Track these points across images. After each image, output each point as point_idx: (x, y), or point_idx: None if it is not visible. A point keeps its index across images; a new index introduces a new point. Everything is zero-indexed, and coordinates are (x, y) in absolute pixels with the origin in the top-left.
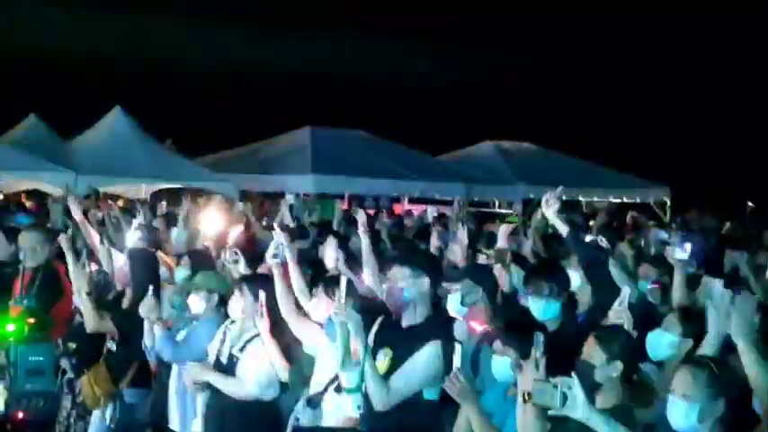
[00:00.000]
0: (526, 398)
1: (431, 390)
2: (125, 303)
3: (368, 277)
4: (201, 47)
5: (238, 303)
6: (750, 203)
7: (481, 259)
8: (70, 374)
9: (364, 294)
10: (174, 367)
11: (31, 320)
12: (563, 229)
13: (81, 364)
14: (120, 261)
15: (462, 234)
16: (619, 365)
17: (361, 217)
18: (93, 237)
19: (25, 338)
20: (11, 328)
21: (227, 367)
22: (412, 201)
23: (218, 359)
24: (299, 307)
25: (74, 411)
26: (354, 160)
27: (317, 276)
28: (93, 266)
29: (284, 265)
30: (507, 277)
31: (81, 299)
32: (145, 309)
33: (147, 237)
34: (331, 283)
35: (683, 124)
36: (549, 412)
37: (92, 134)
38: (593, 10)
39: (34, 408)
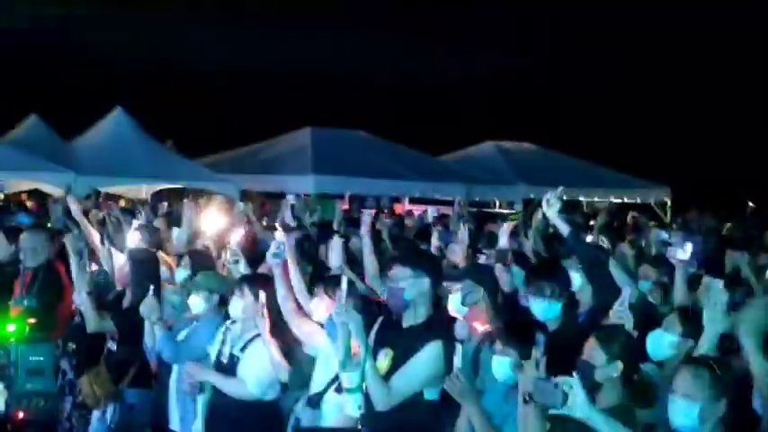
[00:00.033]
0: (527, 398)
1: (431, 390)
2: (125, 303)
3: (369, 277)
4: (202, 47)
5: (239, 303)
6: (750, 204)
7: (481, 259)
8: (70, 375)
9: (365, 294)
10: (175, 367)
11: (32, 320)
12: (564, 230)
13: (81, 364)
14: (121, 261)
15: (463, 233)
16: (619, 365)
17: (366, 218)
18: (94, 236)
19: (26, 338)
20: (11, 328)
21: (228, 367)
22: (412, 201)
23: (218, 359)
24: (299, 307)
25: (75, 413)
26: (355, 160)
27: (318, 275)
28: (94, 266)
29: (285, 264)
30: (508, 277)
31: (82, 299)
32: (145, 309)
33: (148, 237)
34: (332, 283)
35: (683, 125)
36: (550, 411)
37: (92, 134)
38: (594, 10)
39: (35, 408)
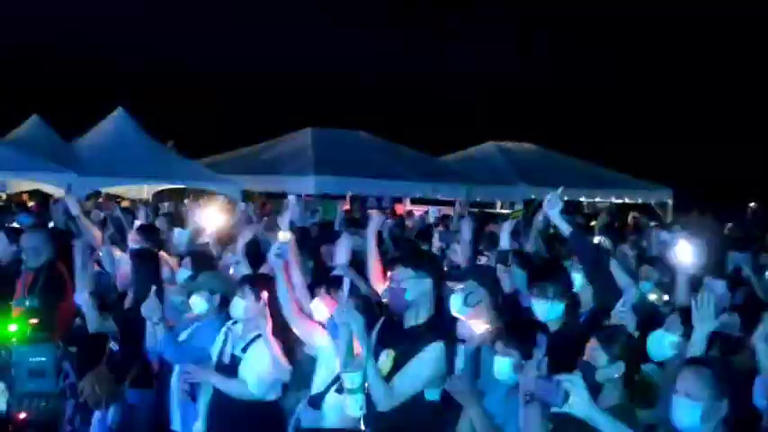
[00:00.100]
0: (528, 399)
1: (433, 390)
2: (127, 304)
3: (371, 278)
4: (203, 47)
5: (240, 304)
6: (751, 204)
7: (482, 261)
8: (72, 378)
9: (366, 295)
10: (176, 368)
11: (34, 321)
12: (565, 230)
13: (82, 367)
14: (123, 262)
15: (467, 230)
16: (620, 366)
17: (376, 219)
18: (96, 236)
19: (27, 339)
20: (13, 328)
21: (230, 368)
22: (413, 201)
23: (220, 360)
24: (300, 307)
25: (77, 415)
26: (356, 161)
27: (319, 275)
28: (95, 267)
29: (286, 265)
30: (509, 278)
31: (83, 299)
32: (147, 309)
33: (149, 237)
34: (333, 283)
35: (684, 125)
36: (552, 409)
37: (94, 135)
38: (595, 10)
39: (36, 408)
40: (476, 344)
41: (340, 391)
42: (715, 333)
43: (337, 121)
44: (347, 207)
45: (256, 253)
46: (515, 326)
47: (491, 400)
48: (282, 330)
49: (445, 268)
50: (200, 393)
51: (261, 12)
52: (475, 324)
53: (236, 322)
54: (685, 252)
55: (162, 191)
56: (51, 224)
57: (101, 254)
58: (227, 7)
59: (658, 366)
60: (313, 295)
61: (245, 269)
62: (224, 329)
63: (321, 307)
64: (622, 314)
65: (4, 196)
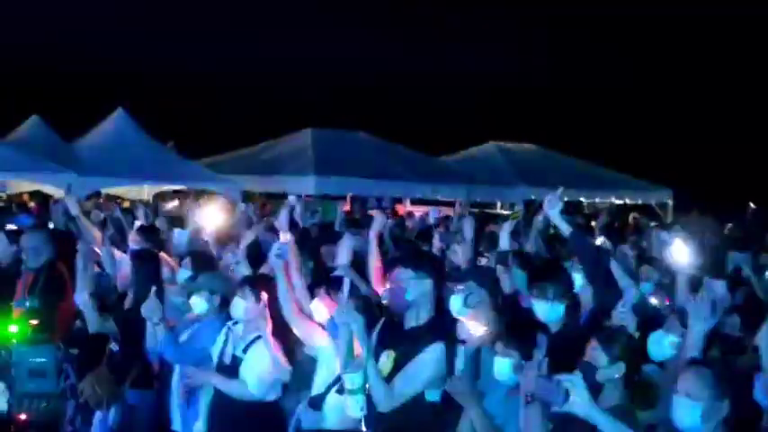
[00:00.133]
0: (529, 399)
1: (433, 391)
2: (127, 304)
3: (372, 279)
4: (203, 48)
5: (241, 304)
6: (751, 205)
7: (482, 262)
8: (73, 380)
9: (367, 295)
10: (177, 368)
11: (34, 322)
12: (565, 230)
13: (83, 367)
14: (123, 262)
15: (468, 229)
16: (621, 367)
17: (380, 220)
18: (96, 237)
19: (28, 339)
20: (13, 329)
21: (230, 368)
22: (414, 202)
23: (220, 360)
24: (300, 308)
25: (78, 417)
26: (356, 161)
27: (319, 276)
28: (95, 268)
29: (286, 266)
30: (509, 279)
31: (84, 300)
32: (147, 310)
33: (150, 238)
34: (333, 284)
35: (685, 126)
36: (552, 409)
37: (94, 135)
38: (596, 10)
39: (36, 409)
40: (476, 345)
41: (340, 392)
42: (715, 333)
43: (337, 121)
44: (347, 208)
45: (257, 253)
46: (516, 326)
47: (491, 400)
48: (283, 331)
49: (445, 269)
50: (200, 394)
51: (261, 12)
52: (474, 325)
53: (236, 323)
54: (681, 252)
55: (162, 191)
56: (51, 225)
57: (101, 254)
58: (227, 7)
59: (659, 367)
60: (313, 296)
61: (245, 270)
62: (224, 330)
63: (321, 308)
64: (623, 315)
65: (4, 196)
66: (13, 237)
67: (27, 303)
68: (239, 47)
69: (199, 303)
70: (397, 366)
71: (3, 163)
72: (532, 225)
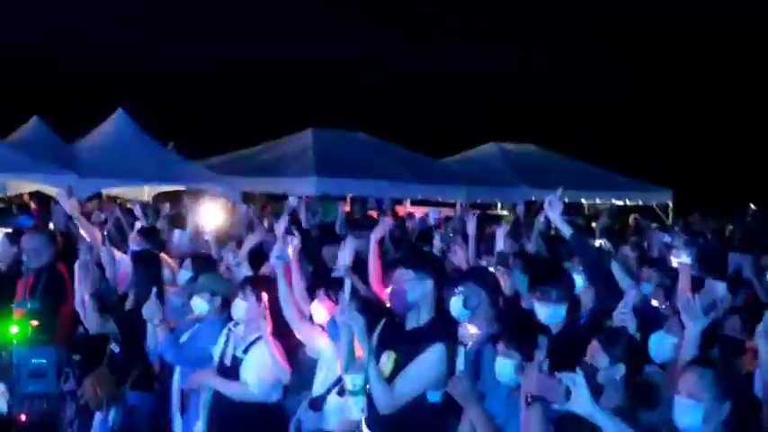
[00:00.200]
0: (530, 400)
1: (434, 392)
2: (128, 305)
3: (371, 280)
4: (204, 48)
5: (242, 305)
6: (752, 206)
7: (482, 263)
8: (73, 384)
9: (367, 296)
10: (177, 370)
11: (35, 323)
12: (566, 232)
13: (84, 369)
14: (123, 263)
15: (471, 227)
16: (622, 368)
17: (386, 223)
18: (96, 237)
19: (28, 341)
20: (14, 330)
21: (231, 369)
22: (414, 203)
23: (221, 361)
24: (300, 309)
25: (76, 420)
26: (357, 162)
27: (319, 277)
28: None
29: (287, 267)
30: (509, 280)
31: (84, 300)
32: (148, 311)
33: (150, 239)
34: (333, 285)
35: (685, 127)
36: (553, 407)
37: (94, 136)
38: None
39: (37, 410)
40: (476, 346)
41: (341, 393)
42: (716, 335)
43: (337, 121)
44: (347, 209)
45: (257, 254)
46: (516, 328)
47: (492, 401)
48: (283, 332)
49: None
50: (200, 395)
51: (261, 12)
52: (474, 327)
53: (237, 324)
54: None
55: (162, 192)
56: (52, 226)
57: (101, 255)
58: (227, 7)
59: (660, 368)
60: (312, 298)
61: (245, 270)
62: (225, 331)
63: (320, 309)
64: (623, 316)
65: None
66: (14, 238)
67: (28, 304)
68: (239, 47)
69: (200, 304)
70: (398, 367)
71: (3, 164)
72: (533, 226)
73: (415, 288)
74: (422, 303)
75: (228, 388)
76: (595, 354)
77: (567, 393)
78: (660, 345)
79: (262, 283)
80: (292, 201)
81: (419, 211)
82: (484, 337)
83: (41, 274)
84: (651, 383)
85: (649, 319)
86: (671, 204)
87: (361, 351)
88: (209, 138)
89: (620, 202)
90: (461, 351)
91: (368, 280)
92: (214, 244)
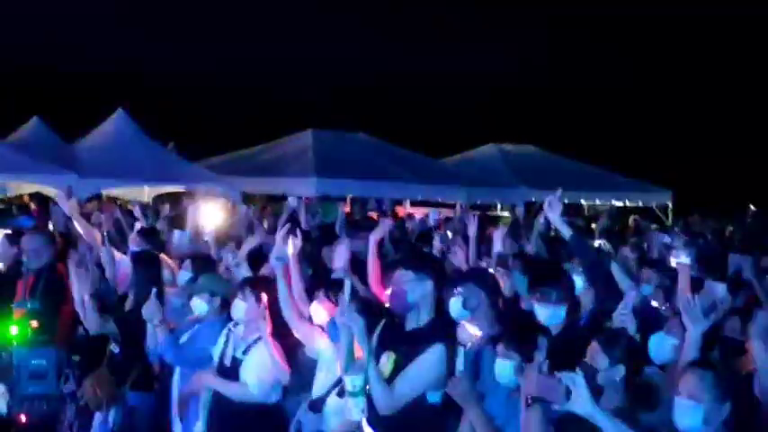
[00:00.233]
0: (529, 401)
1: (434, 393)
2: (128, 306)
3: (371, 281)
4: (204, 48)
5: (241, 306)
6: (752, 207)
7: (482, 264)
8: (73, 385)
9: (366, 297)
10: (177, 370)
11: (35, 323)
12: (566, 233)
13: (84, 370)
14: (122, 263)
15: (473, 228)
16: (622, 369)
17: (386, 225)
18: (95, 237)
19: (28, 341)
20: (14, 330)
21: (231, 370)
22: (414, 204)
23: (221, 362)
24: (300, 310)
25: (76, 422)
26: (356, 163)
27: (318, 278)
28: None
29: (287, 267)
30: (509, 282)
31: (84, 301)
32: (147, 311)
33: (150, 240)
34: (332, 286)
35: (685, 127)
36: (553, 407)
37: (94, 136)
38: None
39: (36, 410)
40: (475, 347)
41: (341, 394)
42: (716, 336)
43: (337, 121)
44: (347, 209)
45: (257, 255)
46: (516, 329)
47: (491, 402)
48: (283, 333)
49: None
50: (200, 396)
51: (261, 12)
52: (474, 327)
53: (236, 324)
54: (686, 255)
55: (162, 193)
56: (51, 226)
57: (101, 255)
58: (227, 7)
59: (660, 369)
60: (312, 299)
61: (245, 271)
62: (225, 331)
63: (320, 310)
64: (623, 317)
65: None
66: (14, 238)
67: (28, 305)
68: (239, 47)
69: (199, 305)
70: (398, 368)
71: (3, 164)
72: (533, 227)
73: (415, 289)
74: (422, 304)
75: (228, 389)
76: (595, 355)
77: (567, 393)
78: (660, 346)
79: (261, 283)
80: (292, 201)
81: (419, 212)
82: (483, 338)
83: (41, 274)
84: (651, 385)
85: (649, 321)
86: (671, 205)
87: (360, 352)
88: (209, 138)
89: (619, 203)
90: (461, 352)
91: (367, 281)
92: (214, 244)
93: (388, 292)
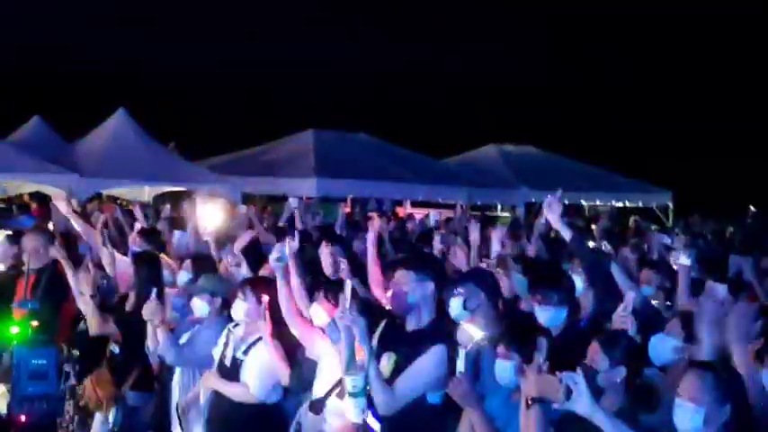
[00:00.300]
0: (530, 402)
1: (434, 393)
2: (128, 306)
3: (371, 282)
4: (204, 48)
5: (242, 306)
6: (752, 207)
7: (482, 265)
8: (73, 380)
9: (366, 298)
10: (177, 371)
11: (35, 323)
12: (566, 234)
13: (84, 368)
14: (123, 263)
15: (475, 234)
16: (622, 370)
17: (375, 224)
18: (96, 237)
19: (29, 341)
20: (15, 330)
21: (231, 370)
22: (414, 204)
23: (221, 362)
24: (300, 311)
25: (76, 417)
26: (357, 163)
27: (317, 280)
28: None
29: (287, 268)
30: (508, 283)
31: (84, 302)
32: (148, 312)
33: (151, 240)
34: (332, 287)
35: (685, 128)
36: (553, 406)
37: (95, 136)
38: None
39: (37, 411)
40: (475, 347)
41: (340, 396)
42: None
43: (337, 121)
44: (347, 210)
45: (257, 255)
46: (516, 330)
47: (492, 403)
48: (283, 333)
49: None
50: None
51: (261, 12)
52: (474, 328)
53: (237, 325)
54: (687, 256)
55: (163, 193)
56: (52, 226)
57: (101, 255)
58: (227, 7)
59: (660, 370)
60: (311, 300)
61: (245, 271)
62: (225, 332)
63: (320, 311)
64: (623, 318)
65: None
66: (14, 238)
67: (28, 305)
68: (239, 47)
69: (200, 306)
70: (398, 369)
71: (3, 164)
72: (534, 228)
73: (416, 290)
74: (422, 305)
75: (228, 389)
76: (595, 356)
77: (568, 393)
78: (660, 347)
79: (262, 284)
80: (293, 202)
81: (419, 213)
82: (483, 339)
83: (42, 274)
84: (651, 386)
85: (649, 322)
86: (671, 206)
87: (361, 353)
88: (210, 138)
89: (620, 204)
90: (462, 352)
91: (367, 282)
92: (214, 245)
93: (389, 293)
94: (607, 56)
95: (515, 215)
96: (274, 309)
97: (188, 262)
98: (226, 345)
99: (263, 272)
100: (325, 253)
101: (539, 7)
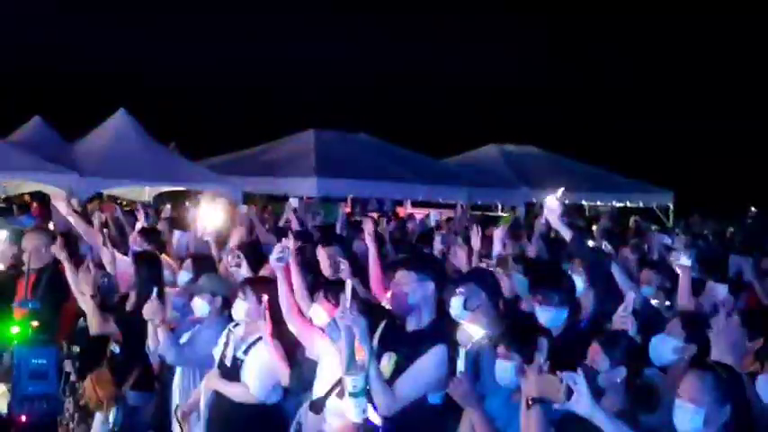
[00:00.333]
0: (530, 402)
1: (435, 394)
2: (129, 306)
3: (371, 282)
4: (204, 48)
5: (242, 306)
6: (753, 207)
7: (482, 265)
8: (73, 378)
9: (366, 298)
10: (178, 370)
11: (35, 323)
12: (567, 234)
13: (85, 367)
14: (123, 263)
15: (476, 240)
16: (622, 371)
17: (368, 226)
18: (96, 237)
19: (29, 341)
20: (15, 330)
21: (231, 370)
22: (415, 204)
23: (222, 362)
24: (301, 311)
25: (76, 414)
26: (358, 163)
27: (317, 280)
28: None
29: (287, 268)
30: (509, 283)
31: (85, 301)
32: (148, 311)
33: (151, 240)
34: (332, 288)
35: (686, 128)
36: (554, 407)
37: (96, 136)
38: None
39: (37, 410)
40: (476, 347)
41: (340, 396)
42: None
43: (337, 121)
44: (348, 210)
45: (257, 255)
46: (517, 330)
47: (492, 403)
48: (283, 333)
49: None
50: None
51: (261, 12)
52: (474, 328)
53: (237, 324)
54: (687, 257)
55: (163, 193)
56: (52, 225)
57: (102, 255)
58: (227, 7)
59: (660, 371)
60: (312, 300)
61: (245, 271)
62: (225, 332)
63: (320, 311)
64: (624, 318)
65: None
66: (15, 238)
67: (29, 305)
68: (239, 47)
69: (200, 305)
70: (399, 369)
71: (4, 163)
72: (534, 228)
73: (417, 290)
74: (423, 305)
75: (229, 389)
76: (596, 356)
77: (568, 393)
78: (660, 347)
79: (262, 284)
80: (293, 202)
81: (420, 213)
82: (484, 339)
83: (42, 273)
84: (651, 386)
85: (650, 322)
86: (671, 206)
87: (361, 352)
88: (210, 138)
89: (620, 204)
90: (462, 352)
91: (367, 282)
92: (214, 245)
93: (389, 293)
94: (607, 56)
95: (516, 215)
96: (274, 308)
97: (188, 262)
98: (226, 344)
99: (263, 272)
100: (323, 255)
101: (539, 7)
